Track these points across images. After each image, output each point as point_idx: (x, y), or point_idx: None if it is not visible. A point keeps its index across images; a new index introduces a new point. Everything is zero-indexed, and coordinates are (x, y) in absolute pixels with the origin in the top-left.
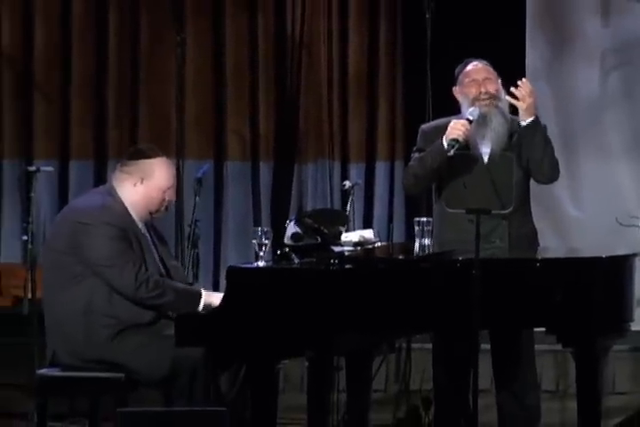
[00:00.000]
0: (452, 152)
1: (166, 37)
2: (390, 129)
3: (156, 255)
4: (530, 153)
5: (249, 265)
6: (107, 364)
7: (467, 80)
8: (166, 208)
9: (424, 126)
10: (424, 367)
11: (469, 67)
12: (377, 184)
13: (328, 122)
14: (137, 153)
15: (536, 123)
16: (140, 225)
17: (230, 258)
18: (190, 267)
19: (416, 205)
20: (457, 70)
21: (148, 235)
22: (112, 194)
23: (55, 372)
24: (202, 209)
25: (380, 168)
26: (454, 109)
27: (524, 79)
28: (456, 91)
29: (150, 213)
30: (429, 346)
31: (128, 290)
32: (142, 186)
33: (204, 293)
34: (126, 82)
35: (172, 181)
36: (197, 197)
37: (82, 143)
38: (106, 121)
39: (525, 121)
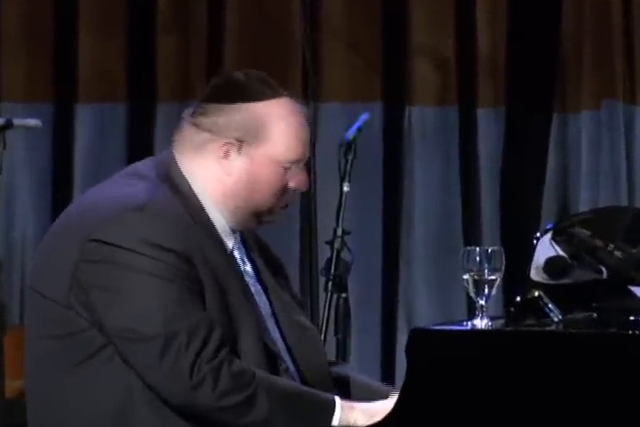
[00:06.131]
0: None
1: None
2: None
3: (265, 303)
4: None
5: (455, 327)
6: None
7: None
8: (285, 206)
9: None
10: None
11: None
12: None
13: (621, 29)
14: (230, 87)
15: None
16: (230, 239)
17: (417, 309)
18: (332, 328)
19: None
20: None
21: (245, 260)
22: (170, 177)
23: None
24: (356, 209)
25: None
26: None
27: None
28: None
29: (256, 217)
30: None
31: (172, 392)
32: (241, 158)
33: (339, 403)
34: None
35: (304, 148)
36: (346, 184)
37: (99, 69)
38: (153, 24)
39: None
